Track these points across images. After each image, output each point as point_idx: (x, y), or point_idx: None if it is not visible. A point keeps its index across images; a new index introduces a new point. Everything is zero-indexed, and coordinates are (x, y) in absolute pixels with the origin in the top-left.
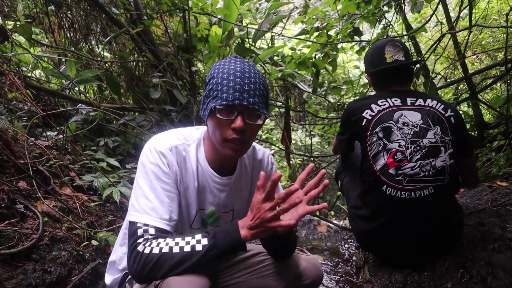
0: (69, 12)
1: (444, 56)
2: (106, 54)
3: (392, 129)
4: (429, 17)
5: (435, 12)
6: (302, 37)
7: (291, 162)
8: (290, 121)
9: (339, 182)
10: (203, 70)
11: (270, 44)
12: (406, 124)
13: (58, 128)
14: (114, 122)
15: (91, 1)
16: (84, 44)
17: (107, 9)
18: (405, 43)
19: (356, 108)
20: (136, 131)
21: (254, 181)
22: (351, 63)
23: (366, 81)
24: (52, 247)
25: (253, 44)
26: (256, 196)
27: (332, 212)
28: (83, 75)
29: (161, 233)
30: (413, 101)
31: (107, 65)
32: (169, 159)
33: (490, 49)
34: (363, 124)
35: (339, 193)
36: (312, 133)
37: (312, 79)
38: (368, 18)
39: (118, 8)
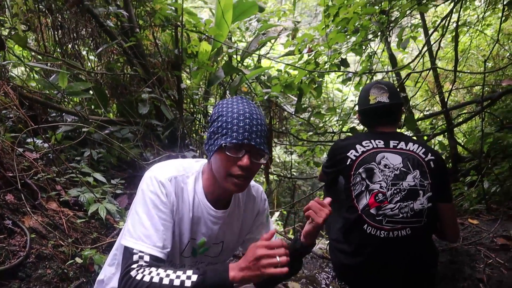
0: (58, 14)
1: (424, 89)
2: (91, 57)
3: (374, 170)
4: (414, 58)
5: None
6: (290, 59)
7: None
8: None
9: None
10: (190, 85)
11: (256, 64)
12: (387, 166)
13: (44, 136)
14: (98, 132)
15: (85, 11)
16: (72, 48)
17: (101, 20)
18: (392, 84)
19: (342, 147)
20: (121, 145)
21: (246, 215)
22: (334, 84)
23: (349, 106)
24: (38, 264)
25: (241, 61)
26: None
27: None
28: (75, 87)
29: (155, 260)
30: (396, 144)
31: (97, 75)
32: (168, 189)
33: (467, 83)
34: (347, 163)
35: None
36: (291, 150)
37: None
38: (355, 49)
39: (110, 15)
